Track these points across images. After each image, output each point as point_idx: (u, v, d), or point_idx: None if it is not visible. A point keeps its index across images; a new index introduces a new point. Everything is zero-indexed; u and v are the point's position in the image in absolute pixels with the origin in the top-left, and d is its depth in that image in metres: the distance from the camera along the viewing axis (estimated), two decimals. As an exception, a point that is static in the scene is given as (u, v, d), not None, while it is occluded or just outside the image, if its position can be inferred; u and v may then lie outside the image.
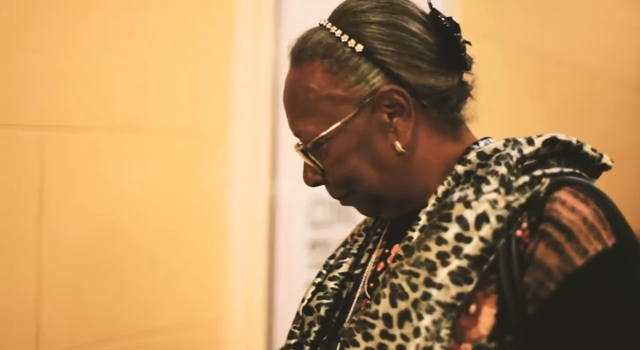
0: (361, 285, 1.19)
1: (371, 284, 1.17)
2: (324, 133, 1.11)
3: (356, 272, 1.21)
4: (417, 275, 1.04)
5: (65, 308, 1.63)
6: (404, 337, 1.03)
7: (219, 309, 2.03)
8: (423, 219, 1.09)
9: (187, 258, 1.95)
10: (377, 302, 1.06)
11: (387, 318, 1.04)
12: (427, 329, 1.02)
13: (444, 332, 1.02)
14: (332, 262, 1.24)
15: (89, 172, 1.68)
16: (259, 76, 2.12)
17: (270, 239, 2.20)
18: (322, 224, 2.43)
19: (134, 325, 1.81)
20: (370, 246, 1.22)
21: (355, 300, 1.18)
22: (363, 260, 1.22)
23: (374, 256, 1.20)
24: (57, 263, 1.60)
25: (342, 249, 1.25)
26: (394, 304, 1.04)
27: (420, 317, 1.03)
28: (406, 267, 1.05)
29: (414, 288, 1.04)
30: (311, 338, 1.19)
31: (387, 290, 1.05)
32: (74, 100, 1.64)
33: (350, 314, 1.17)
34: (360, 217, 1.26)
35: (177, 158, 1.91)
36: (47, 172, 1.58)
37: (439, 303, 1.03)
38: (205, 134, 2.00)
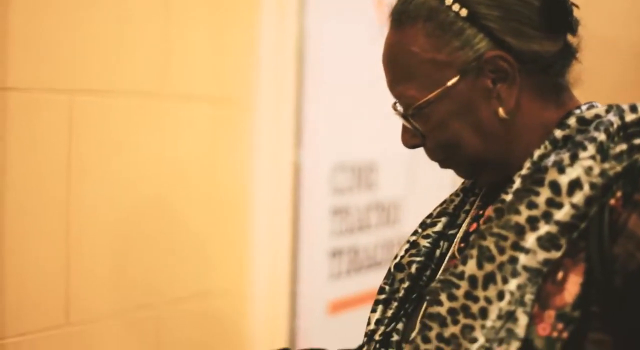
0: (453, 245, 1.18)
1: (462, 245, 1.16)
2: (426, 98, 1.10)
3: (451, 232, 1.21)
4: (505, 238, 1.03)
5: (93, 275, 1.64)
6: (488, 300, 1.03)
7: (244, 276, 2.05)
8: (517, 182, 1.07)
9: (214, 224, 1.96)
10: (464, 263, 1.05)
11: (472, 279, 1.04)
12: (511, 293, 1.02)
13: (528, 297, 1.02)
14: (428, 220, 1.24)
15: (117, 136, 1.68)
16: (284, 44, 2.12)
17: (294, 206, 2.20)
18: (344, 190, 2.43)
19: (165, 293, 1.83)
20: (467, 207, 1.22)
21: (446, 260, 1.18)
22: (459, 221, 1.21)
23: (468, 217, 1.19)
24: (85, 227, 1.61)
25: (439, 209, 1.25)
26: (480, 266, 1.04)
27: (505, 281, 1.02)
28: (495, 230, 1.04)
29: (502, 251, 1.03)
30: (400, 294, 1.19)
31: (474, 252, 1.05)
32: (103, 65, 1.64)
33: (439, 273, 1.17)
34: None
35: (202, 123, 1.92)
36: (76, 135, 1.58)
37: (525, 268, 1.02)
38: (231, 100, 2.00)
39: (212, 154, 1.94)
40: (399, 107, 1.14)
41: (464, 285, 1.05)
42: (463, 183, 1.26)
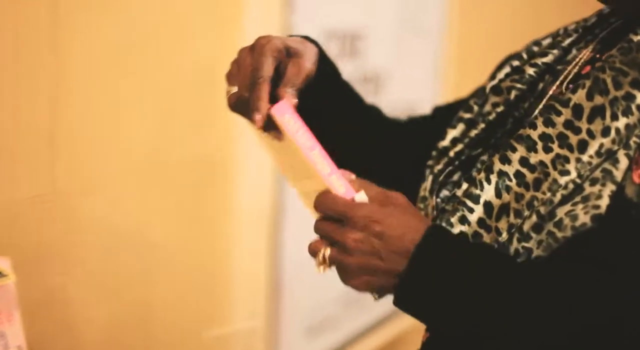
0: (559, 80, 1.09)
1: (570, 85, 1.07)
2: None
3: (559, 67, 1.11)
4: (626, 74, 0.96)
5: (78, 116, 1.56)
6: (590, 133, 0.96)
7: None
8: None
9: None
10: (573, 92, 0.98)
11: (577, 109, 0.97)
12: (617, 131, 0.95)
13: (634, 140, 0.95)
14: (536, 49, 1.15)
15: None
16: None
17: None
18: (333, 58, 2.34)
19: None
20: (582, 44, 1.13)
21: (547, 96, 1.08)
22: (569, 57, 1.12)
23: (583, 57, 1.10)
24: (72, 78, 1.52)
25: (550, 40, 1.16)
26: (590, 97, 0.96)
27: (614, 117, 0.95)
28: (617, 65, 0.97)
29: (618, 86, 0.96)
30: (491, 117, 1.11)
31: (588, 82, 0.97)
32: None
33: (539, 108, 1.07)
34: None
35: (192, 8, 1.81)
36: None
37: (639, 108, 0.95)
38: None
39: (201, 31, 1.83)
40: None
41: (566, 113, 0.97)
42: (585, 20, 1.17)
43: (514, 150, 0.98)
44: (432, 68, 2.86)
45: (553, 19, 1.64)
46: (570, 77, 1.08)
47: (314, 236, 0.97)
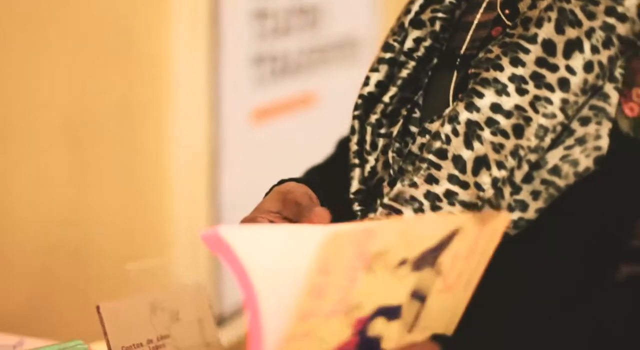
0: (482, 7, 0.98)
1: (507, 11, 0.96)
2: None
3: None
4: (596, 3, 0.88)
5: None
6: (570, 70, 0.88)
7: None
8: None
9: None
10: (539, 26, 0.89)
11: (548, 44, 0.88)
12: (600, 64, 0.88)
13: (619, 72, 0.88)
14: None
15: None
16: None
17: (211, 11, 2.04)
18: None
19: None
20: None
21: (474, 26, 0.98)
22: None
23: None
24: None
25: None
26: (560, 30, 0.88)
27: (595, 51, 0.87)
28: None
29: (591, 16, 0.88)
30: (420, 53, 1.00)
31: (553, 14, 0.89)
32: None
33: (467, 40, 0.97)
34: None
35: None
36: None
37: (620, 38, 0.88)
38: None
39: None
40: None
41: (536, 50, 0.88)
42: None
43: (481, 96, 0.89)
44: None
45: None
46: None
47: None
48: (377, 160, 0.98)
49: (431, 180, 0.89)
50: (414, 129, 0.97)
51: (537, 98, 0.88)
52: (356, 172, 0.97)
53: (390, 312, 0.76)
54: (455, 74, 0.96)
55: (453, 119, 0.90)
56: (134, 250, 1.87)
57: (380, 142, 0.98)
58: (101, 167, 1.76)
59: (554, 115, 0.88)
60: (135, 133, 1.84)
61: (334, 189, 0.99)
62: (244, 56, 2.20)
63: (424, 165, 0.90)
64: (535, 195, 0.88)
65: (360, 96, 1.01)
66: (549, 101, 0.88)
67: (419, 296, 0.77)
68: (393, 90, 1.00)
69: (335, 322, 0.72)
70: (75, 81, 1.67)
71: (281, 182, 0.97)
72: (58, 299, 1.70)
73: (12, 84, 1.53)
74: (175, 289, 1.01)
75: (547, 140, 0.88)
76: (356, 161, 0.99)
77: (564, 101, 0.87)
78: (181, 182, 1.95)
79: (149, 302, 0.98)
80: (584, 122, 0.88)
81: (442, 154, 0.89)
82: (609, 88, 0.88)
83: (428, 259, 0.75)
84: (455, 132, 0.89)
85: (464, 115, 0.89)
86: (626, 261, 0.86)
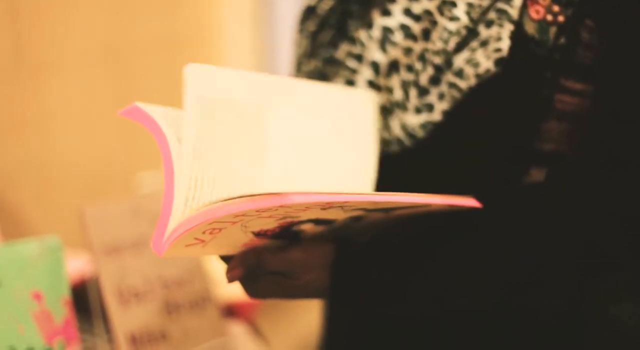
0: None
1: None
2: None
3: None
4: None
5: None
6: None
7: None
8: None
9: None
10: None
11: None
12: None
13: None
14: None
15: None
16: None
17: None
18: None
19: None
20: None
21: None
22: None
23: None
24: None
25: None
26: None
27: None
28: None
29: None
30: None
31: None
32: None
33: None
34: None
35: None
36: None
37: None
38: None
39: None
40: None
41: None
42: None
43: (393, 1, 0.90)
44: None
45: None
46: None
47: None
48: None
49: (350, 84, 0.93)
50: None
51: (444, 2, 0.88)
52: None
53: (322, 222, 0.79)
54: None
55: (369, 24, 0.92)
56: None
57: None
58: (146, 98, 1.78)
59: (457, 18, 0.87)
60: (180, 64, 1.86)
61: None
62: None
63: (342, 71, 0.93)
64: (441, 97, 0.88)
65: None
66: (453, 4, 0.88)
67: (356, 218, 0.81)
68: (330, 3, 0.98)
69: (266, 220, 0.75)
70: (117, 11, 1.69)
71: None
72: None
73: (51, 19, 1.56)
74: (158, 194, 1.02)
75: (451, 43, 0.88)
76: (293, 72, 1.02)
77: (469, 5, 0.87)
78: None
79: (130, 206, 1.00)
80: (488, 24, 0.87)
81: (358, 58, 0.92)
82: None
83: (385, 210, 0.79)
84: (371, 38, 0.91)
85: (379, 21, 0.91)
86: (536, 165, 0.85)
